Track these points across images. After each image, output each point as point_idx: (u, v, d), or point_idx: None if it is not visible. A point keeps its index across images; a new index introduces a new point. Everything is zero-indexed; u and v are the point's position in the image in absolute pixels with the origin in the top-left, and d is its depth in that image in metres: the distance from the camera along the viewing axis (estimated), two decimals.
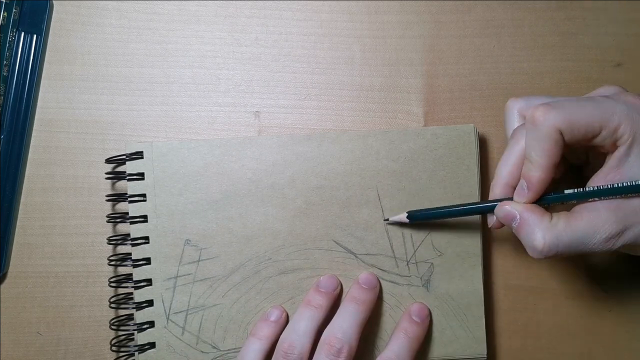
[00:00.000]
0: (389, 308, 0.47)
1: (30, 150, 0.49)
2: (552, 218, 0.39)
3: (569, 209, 0.40)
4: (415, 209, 0.46)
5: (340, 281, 0.47)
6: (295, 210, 0.47)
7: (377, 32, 0.50)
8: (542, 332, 0.50)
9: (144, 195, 0.47)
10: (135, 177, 0.47)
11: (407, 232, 0.47)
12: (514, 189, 0.41)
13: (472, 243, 0.47)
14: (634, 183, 0.37)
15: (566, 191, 0.39)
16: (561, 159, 0.39)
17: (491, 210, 0.42)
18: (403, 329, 0.45)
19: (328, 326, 0.44)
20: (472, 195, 0.47)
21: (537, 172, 0.39)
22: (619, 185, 0.37)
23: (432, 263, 0.47)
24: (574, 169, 0.44)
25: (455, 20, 0.50)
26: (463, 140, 0.47)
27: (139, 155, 0.47)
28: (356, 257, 0.47)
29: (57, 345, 0.49)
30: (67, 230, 0.49)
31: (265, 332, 0.45)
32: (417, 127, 0.50)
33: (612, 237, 0.37)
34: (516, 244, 0.49)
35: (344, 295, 0.47)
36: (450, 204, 0.45)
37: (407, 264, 0.47)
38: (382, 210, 0.47)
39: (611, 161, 0.38)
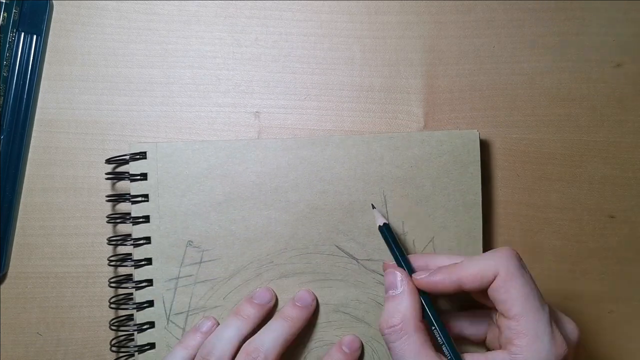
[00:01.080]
0: None
1: (30, 150, 0.49)
2: (419, 323, 0.39)
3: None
4: (418, 215, 0.47)
5: (275, 294, 0.47)
6: (298, 214, 0.47)
7: (377, 33, 0.50)
8: None
9: (146, 196, 0.46)
10: (138, 177, 0.46)
11: (410, 238, 0.47)
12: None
13: (474, 251, 0.47)
14: None
15: (438, 338, 0.40)
16: (469, 291, 0.39)
17: (401, 266, 0.43)
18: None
19: (251, 338, 0.44)
20: (475, 202, 0.47)
21: (448, 276, 0.40)
22: None
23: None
24: None
25: (455, 21, 0.50)
26: (467, 148, 0.47)
27: (142, 155, 0.47)
28: (358, 262, 0.47)
29: (57, 346, 0.49)
30: (67, 230, 0.49)
31: (192, 342, 0.45)
32: (418, 127, 0.50)
33: None
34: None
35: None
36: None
37: None
38: (388, 216, 0.47)
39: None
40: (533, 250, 0.50)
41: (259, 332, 0.44)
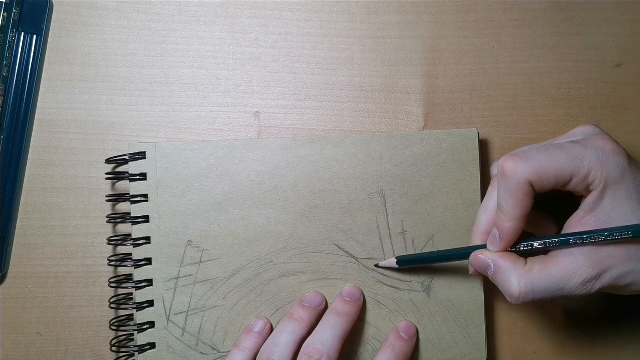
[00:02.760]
0: (389, 313, 0.47)
1: (30, 150, 0.49)
2: (526, 264, 0.39)
3: (545, 252, 0.40)
4: (418, 214, 0.47)
5: (325, 298, 0.47)
6: (298, 213, 0.47)
7: (377, 33, 0.50)
8: (542, 332, 0.50)
9: (146, 196, 0.47)
10: (137, 177, 0.46)
11: (409, 237, 0.47)
12: None
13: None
14: (605, 235, 0.37)
15: (536, 243, 0.40)
16: (532, 209, 0.39)
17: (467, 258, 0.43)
18: (390, 344, 0.46)
19: (309, 338, 0.44)
20: (474, 201, 0.47)
21: (509, 222, 0.39)
22: (592, 233, 0.38)
23: (433, 269, 0.47)
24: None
25: (455, 21, 0.50)
26: (466, 147, 0.47)
27: (141, 155, 0.47)
28: (357, 261, 0.47)
29: (57, 346, 0.49)
30: (67, 230, 0.49)
31: (248, 344, 0.45)
32: (417, 127, 0.50)
33: (589, 281, 0.38)
34: None
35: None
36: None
37: (409, 270, 0.47)
38: (387, 214, 0.47)
39: (585, 205, 0.39)
40: None
41: (314, 331, 0.44)
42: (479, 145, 0.47)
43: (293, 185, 0.47)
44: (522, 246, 0.40)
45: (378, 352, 0.46)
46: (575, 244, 0.38)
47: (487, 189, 0.45)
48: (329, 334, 0.44)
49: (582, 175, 0.37)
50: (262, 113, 0.50)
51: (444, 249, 0.46)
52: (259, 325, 0.46)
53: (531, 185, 0.38)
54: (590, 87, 0.50)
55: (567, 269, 0.38)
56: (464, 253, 0.43)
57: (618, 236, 0.37)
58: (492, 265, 0.40)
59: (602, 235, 0.37)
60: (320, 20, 0.50)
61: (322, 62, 0.50)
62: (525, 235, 0.41)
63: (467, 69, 0.50)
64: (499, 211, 0.40)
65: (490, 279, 0.41)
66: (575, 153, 0.38)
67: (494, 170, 0.46)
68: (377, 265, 0.47)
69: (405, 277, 0.47)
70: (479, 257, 0.41)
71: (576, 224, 0.39)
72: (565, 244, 0.38)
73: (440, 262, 0.46)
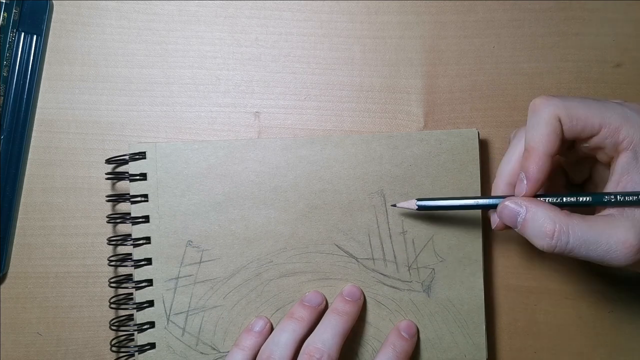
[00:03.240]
0: (389, 313, 0.47)
1: (30, 150, 0.49)
2: (563, 210, 0.37)
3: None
4: (418, 214, 0.47)
5: (325, 297, 0.47)
6: (298, 213, 0.47)
7: (377, 33, 0.50)
8: (542, 332, 0.50)
9: (146, 196, 0.47)
10: (137, 177, 0.46)
11: (409, 237, 0.47)
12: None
13: (474, 249, 0.47)
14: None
15: (566, 198, 0.38)
16: (559, 151, 0.38)
17: (495, 206, 0.40)
18: (391, 343, 0.46)
19: (309, 337, 0.44)
20: None
21: (535, 161, 0.38)
22: (630, 194, 0.36)
23: (433, 269, 0.47)
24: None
25: (455, 21, 0.50)
26: (466, 147, 0.47)
27: (141, 155, 0.47)
28: (357, 261, 0.47)
29: (57, 346, 0.49)
30: (67, 230, 0.49)
31: (248, 343, 0.45)
32: (417, 127, 0.50)
33: (634, 246, 0.35)
34: (517, 243, 0.49)
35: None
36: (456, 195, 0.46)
37: (409, 269, 0.47)
38: (387, 214, 0.47)
39: (618, 167, 0.37)
40: (533, 249, 0.50)
41: (315, 331, 0.44)
42: (479, 145, 0.47)
43: (293, 185, 0.47)
44: (551, 198, 0.38)
45: (379, 351, 0.46)
46: (610, 202, 0.36)
47: (486, 189, 0.45)
48: (329, 333, 0.44)
49: (612, 128, 0.36)
50: (262, 113, 0.50)
51: (444, 248, 0.47)
52: (259, 325, 0.46)
53: (560, 122, 0.37)
54: (590, 87, 0.50)
55: (610, 226, 0.36)
56: (489, 202, 0.41)
57: None
58: (523, 211, 0.38)
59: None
60: (320, 20, 0.50)
61: (322, 62, 0.50)
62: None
63: (467, 69, 0.50)
64: (525, 152, 0.39)
65: (517, 230, 0.38)
66: (610, 106, 0.37)
67: (513, 134, 0.45)
68: (394, 205, 0.46)
69: (405, 277, 0.47)
70: (507, 205, 0.39)
71: (612, 188, 0.37)
72: (599, 202, 0.37)
73: (461, 209, 0.44)
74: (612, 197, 0.37)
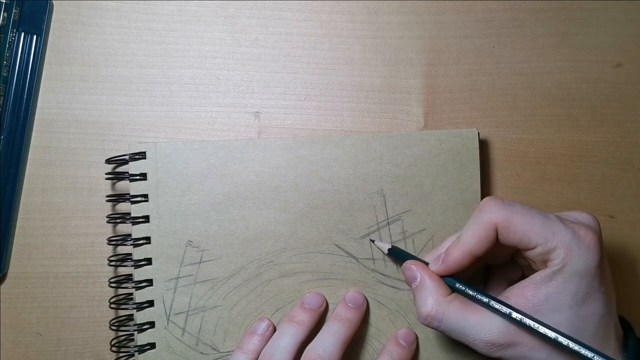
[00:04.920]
0: (389, 313, 0.47)
1: (30, 150, 0.49)
2: (450, 295, 0.40)
3: None
4: (417, 214, 0.47)
5: (325, 299, 0.47)
6: (298, 213, 0.47)
7: (377, 33, 0.50)
8: None
9: (146, 196, 0.47)
10: (137, 177, 0.46)
11: (409, 237, 0.47)
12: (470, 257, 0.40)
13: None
14: (527, 324, 0.36)
15: (470, 290, 0.40)
16: (485, 254, 0.39)
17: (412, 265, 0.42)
18: (388, 351, 0.46)
19: (310, 343, 0.44)
20: (474, 201, 0.47)
21: (459, 251, 0.40)
22: (519, 313, 0.37)
23: None
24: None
25: (455, 21, 0.50)
26: (467, 147, 0.47)
27: (141, 155, 0.47)
28: (357, 261, 0.47)
29: (57, 346, 0.49)
30: (67, 230, 0.49)
31: (250, 346, 0.45)
32: (417, 127, 0.50)
33: (494, 345, 0.38)
34: None
35: (329, 314, 0.47)
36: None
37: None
38: (387, 214, 0.47)
39: (534, 277, 0.38)
40: None
41: (316, 337, 0.44)
42: (479, 145, 0.47)
43: (293, 185, 0.47)
44: (458, 283, 0.40)
45: (377, 358, 0.46)
46: (499, 312, 0.38)
47: (486, 189, 0.45)
48: (330, 340, 0.44)
49: (547, 248, 0.37)
50: (262, 113, 0.50)
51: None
52: (262, 327, 0.46)
53: (496, 231, 0.38)
54: (590, 87, 0.50)
55: (481, 323, 0.38)
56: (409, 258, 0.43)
57: (541, 331, 0.36)
58: (419, 278, 0.41)
59: (526, 320, 0.37)
60: (320, 20, 0.50)
61: (322, 62, 0.50)
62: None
63: (467, 69, 0.50)
64: (456, 239, 0.40)
65: (411, 291, 0.42)
66: (553, 226, 0.37)
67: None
68: (372, 240, 0.47)
69: None
70: (410, 267, 0.42)
71: (517, 292, 0.38)
72: (490, 307, 0.38)
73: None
74: (505, 308, 0.37)
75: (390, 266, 0.47)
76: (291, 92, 0.50)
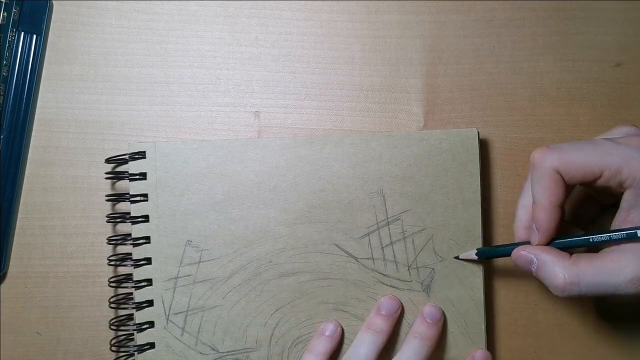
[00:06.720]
0: None
1: (30, 150, 0.49)
2: (571, 257, 0.39)
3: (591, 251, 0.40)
4: (417, 213, 0.47)
5: (400, 302, 0.47)
6: (297, 213, 0.47)
7: (377, 32, 0.50)
8: (542, 332, 0.50)
9: (145, 195, 0.47)
10: (137, 177, 0.46)
11: (409, 237, 0.47)
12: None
13: (474, 249, 0.47)
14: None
15: (577, 238, 0.40)
16: (566, 198, 0.39)
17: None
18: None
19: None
20: (474, 200, 0.47)
21: (543, 212, 0.39)
22: (635, 229, 0.37)
23: (433, 268, 0.47)
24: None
25: (455, 20, 0.50)
26: (466, 146, 0.47)
27: (141, 155, 0.47)
28: (357, 261, 0.47)
29: (56, 346, 0.49)
30: (67, 230, 0.49)
31: (321, 349, 0.45)
32: (417, 127, 0.50)
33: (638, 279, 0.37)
34: None
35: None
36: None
37: (408, 269, 0.47)
38: (387, 214, 0.47)
39: (624, 203, 0.38)
40: None
41: (398, 356, 0.45)
42: (479, 145, 0.47)
43: (292, 185, 0.47)
44: (568, 239, 0.40)
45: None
46: (618, 240, 0.37)
47: (486, 189, 0.45)
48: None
49: (613, 170, 0.37)
50: (262, 113, 0.50)
51: (444, 248, 0.47)
52: (330, 329, 0.46)
53: (559, 174, 0.38)
54: (590, 86, 0.50)
55: (615, 265, 0.37)
56: (506, 250, 0.43)
57: None
58: (534, 259, 0.40)
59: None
60: (320, 19, 0.50)
61: (322, 62, 0.50)
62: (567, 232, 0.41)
63: (467, 68, 0.50)
64: (533, 203, 0.40)
65: (534, 275, 0.41)
66: (605, 148, 0.38)
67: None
68: (457, 257, 0.47)
69: (405, 277, 0.47)
70: (521, 254, 0.41)
71: (621, 223, 0.38)
72: (608, 240, 0.38)
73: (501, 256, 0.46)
74: (621, 234, 0.37)
75: (390, 266, 0.47)
76: (291, 91, 0.50)
